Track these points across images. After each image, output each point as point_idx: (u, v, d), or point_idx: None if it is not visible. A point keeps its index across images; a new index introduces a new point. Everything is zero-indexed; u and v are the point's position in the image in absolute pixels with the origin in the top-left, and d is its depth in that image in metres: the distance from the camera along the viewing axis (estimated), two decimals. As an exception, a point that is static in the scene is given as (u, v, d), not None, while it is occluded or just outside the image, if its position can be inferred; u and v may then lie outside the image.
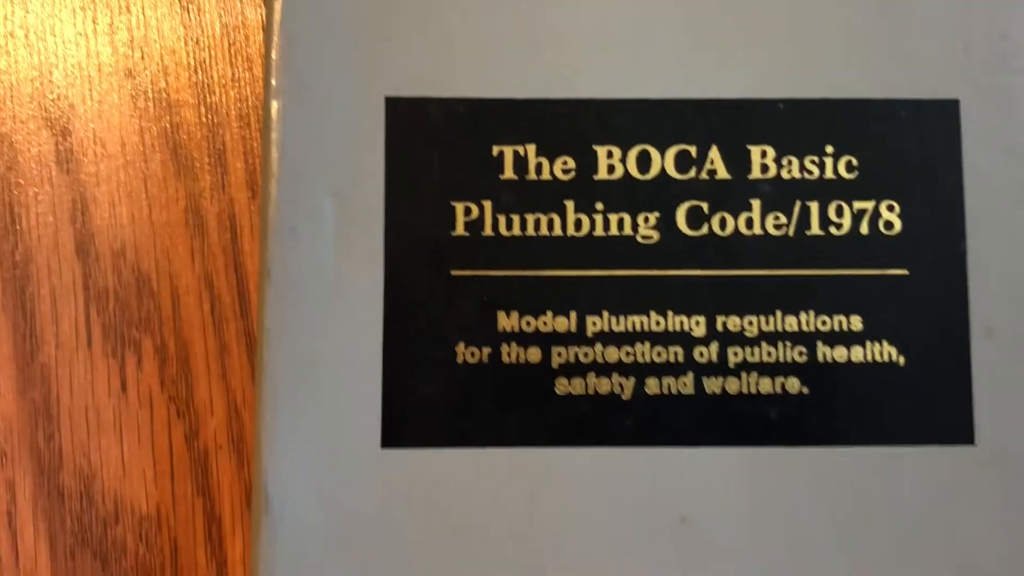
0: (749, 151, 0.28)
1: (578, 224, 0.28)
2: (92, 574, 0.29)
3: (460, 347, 0.27)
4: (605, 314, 0.27)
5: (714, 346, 0.27)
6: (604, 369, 0.27)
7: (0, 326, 0.30)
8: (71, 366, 0.29)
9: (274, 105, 0.28)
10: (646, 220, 0.28)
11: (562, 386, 0.27)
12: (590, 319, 0.27)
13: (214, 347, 0.30)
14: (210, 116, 0.31)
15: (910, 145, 0.28)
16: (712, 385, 0.27)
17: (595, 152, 0.28)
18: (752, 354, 0.27)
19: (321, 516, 0.27)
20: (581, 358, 0.27)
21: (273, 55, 0.28)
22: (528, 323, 0.28)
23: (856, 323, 0.27)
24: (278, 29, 0.28)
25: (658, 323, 0.27)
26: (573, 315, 0.28)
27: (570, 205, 0.28)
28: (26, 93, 0.31)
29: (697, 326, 0.27)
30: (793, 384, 0.27)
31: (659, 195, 0.28)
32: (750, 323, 0.27)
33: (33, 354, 0.29)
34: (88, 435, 0.29)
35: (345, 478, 0.27)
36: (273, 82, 0.28)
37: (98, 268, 0.30)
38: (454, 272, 0.28)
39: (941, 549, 0.27)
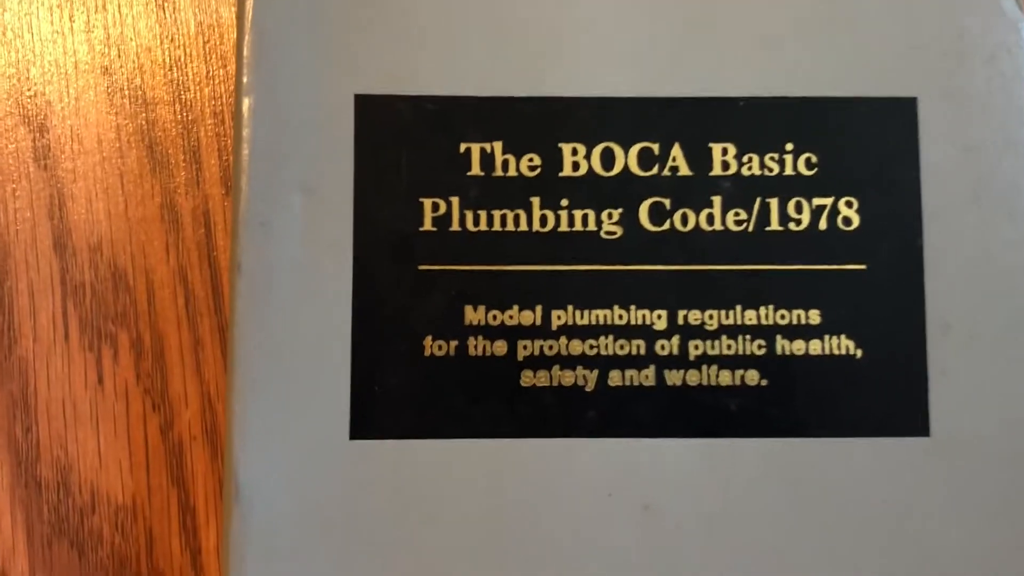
0: (711, 148, 0.28)
1: (543, 220, 0.28)
2: (69, 563, 0.29)
3: (428, 340, 0.28)
4: (570, 308, 0.28)
5: (675, 339, 0.28)
6: (568, 362, 0.28)
7: (-22, 320, 0.30)
8: (48, 359, 0.30)
9: (245, 102, 0.28)
10: (610, 216, 0.28)
11: (527, 378, 0.28)
12: (555, 313, 0.28)
13: (189, 341, 0.30)
14: (185, 113, 0.31)
15: (868, 142, 0.28)
16: (673, 377, 0.28)
17: (560, 149, 0.29)
18: (712, 347, 0.28)
19: (291, 506, 0.27)
20: (546, 351, 0.28)
21: (244, 53, 0.29)
22: (494, 317, 0.28)
23: (815, 317, 0.28)
24: (249, 27, 0.29)
25: (621, 317, 0.28)
26: (539, 309, 0.28)
27: (536, 201, 0.28)
28: (3, 90, 0.31)
29: (659, 320, 0.28)
30: (752, 376, 0.28)
31: (623, 192, 0.28)
32: (711, 317, 0.28)
33: (11, 347, 0.30)
34: (65, 427, 0.30)
35: (315, 469, 0.27)
36: (244, 79, 0.29)
37: (75, 263, 0.30)
38: (422, 267, 0.28)
39: (897, 538, 0.27)
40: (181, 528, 0.29)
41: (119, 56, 0.31)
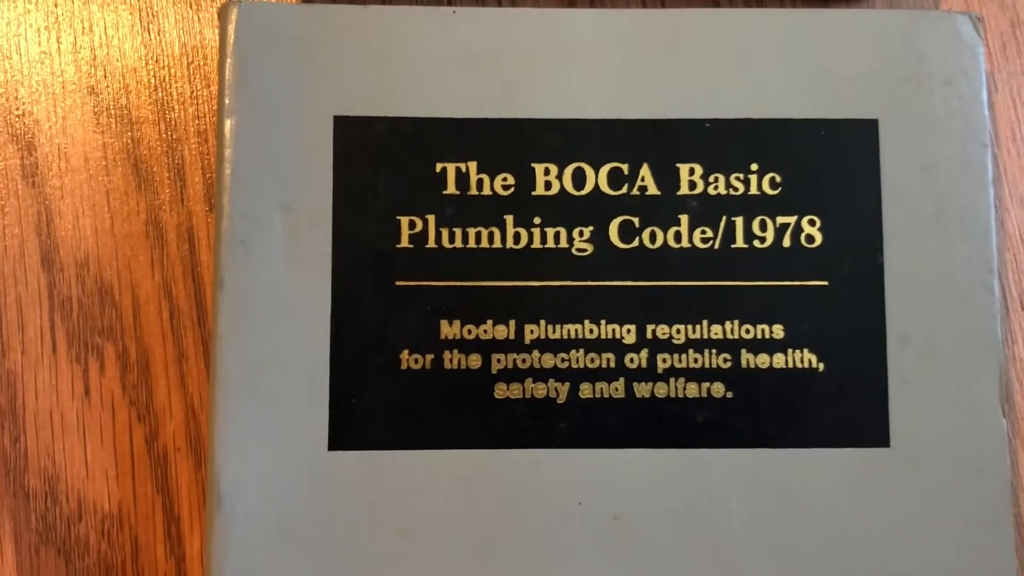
0: (678, 168, 0.29)
1: (517, 237, 0.29)
2: (56, 571, 0.30)
3: (404, 354, 0.29)
4: (542, 322, 0.29)
5: (644, 353, 0.29)
6: (541, 374, 0.29)
7: (-32, 333, 0.31)
8: (36, 371, 0.31)
9: (227, 123, 0.29)
10: (581, 234, 0.29)
11: (501, 391, 0.29)
12: (528, 327, 0.29)
13: (173, 354, 0.31)
14: (169, 132, 0.32)
15: (831, 162, 0.29)
16: (642, 390, 0.29)
17: (533, 169, 0.29)
18: (680, 360, 0.29)
19: (272, 514, 0.28)
20: (519, 364, 0.29)
21: (227, 76, 0.30)
22: (469, 331, 0.29)
23: (778, 331, 0.29)
24: (231, 51, 0.30)
25: (592, 331, 0.29)
26: (512, 323, 0.29)
27: (509, 219, 0.29)
28: (-7, 110, 0.32)
29: (628, 334, 0.29)
30: (718, 389, 0.29)
31: (593, 210, 0.29)
32: (678, 331, 0.29)
33: (0, 360, 0.31)
34: (52, 437, 0.30)
35: (294, 478, 0.28)
36: (226, 101, 0.29)
37: (62, 278, 0.31)
38: (399, 282, 0.29)
39: (856, 546, 0.28)
40: (166, 536, 0.30)
41: (105, 76, 0.32)
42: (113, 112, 0.32)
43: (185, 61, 0.32)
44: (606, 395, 0.29)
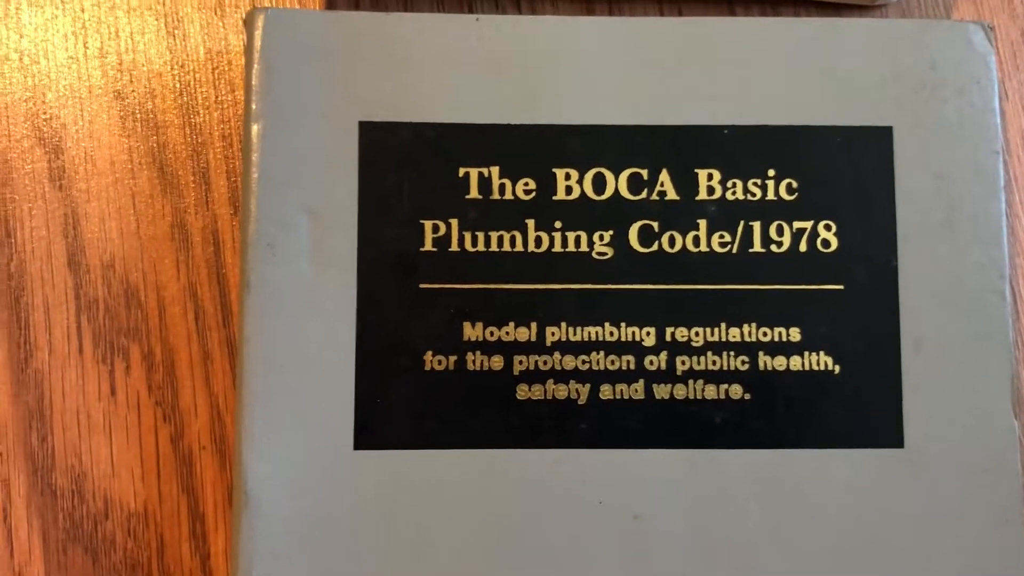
0: (697, 174, 0.30)
1: (538, 241, 0.30)
2: (83, 568, 0.30)
3: (428, 355, 0.29)
4: (563, 325, 0.30)
5: (663, 355, 0.29)
6: (562, 376, 0.29)
7: (-4, 334, 0.32)
8: (63, 371, 0.31)
9: (254, 128, 0.30)
10: (601, 238, 0.30)
11: (523, 392, 0.29)
12: (549, 329, 0.30)
13: (198, 354, 0.31)
14: (194, 136, 0.32)
15: (846, 168, 0.30)
16: (661, 391, 0.29)
17: (554, 174, 0.30)
18: (698, 363, 0.29)
19: (297, 512, 0.29)
20: (540, 366, 0.29)
21: (253, 81, 0.30)
22: (491, 333, 0.30)
23: (795, 334, 0.29)
24: (258, 57, 0.30)
25: (612, 333, 0.29)
26: (533, 326, 0.30)
27: (531, 223, 0.30)
28: (20, 113, 0.33)
29: (648, 336, 0.29)
30: (736, 391, 0.29)
31: (613, 215, 0.30)
32: (697, 334, 0.29)
33: (27, 360, 0.31)
34: (79, 437, 0.31)
35: (320, 477, 0.29)
36: (253, 106, 0.30)
37: (88, 279, 0.32)
38: (423, 285, 0.30)
39: (870, 546, 0.29)
40: (191, 534, 0.31)
41: (131, 81, 0.33)
42: (139, 116, 0.33)
43: (210, 66, 0.33)
44: (626, 396, 0.29)
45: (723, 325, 0.29)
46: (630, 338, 0.29)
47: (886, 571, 0.29)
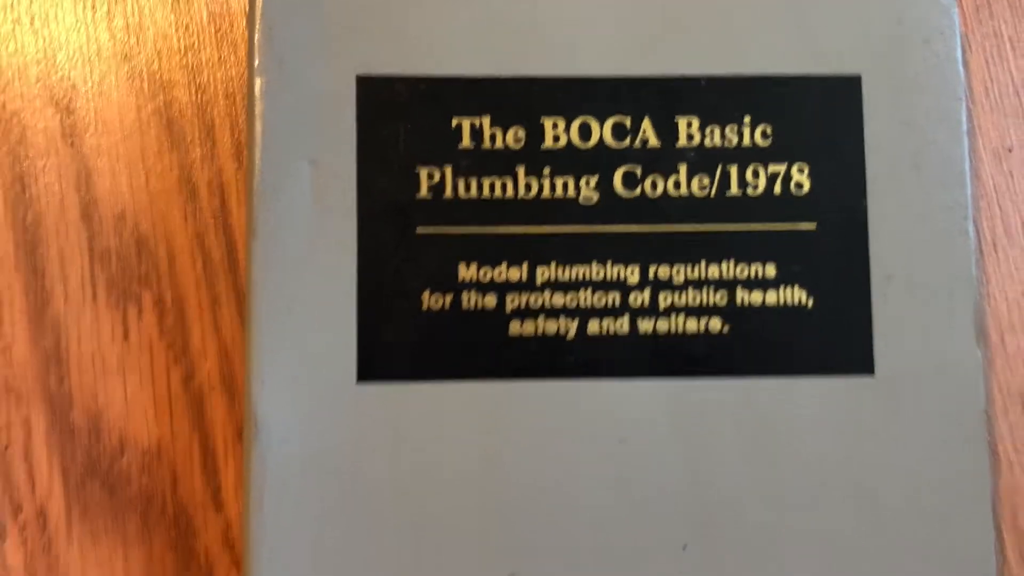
0: (677, 122, 0.32)
1: (528, 187, 0.32)
2: (101, 500, 0.32)
3: (425, 295, 0.31)
4: (553, 264, 0.31)
5: (647, 291, 0.31)
6: (552, 312, 0.31)
7: (14, 283, 0.33)
8: (79, 317, 0.33)
9: (257, 82, 0.32)
10: (587, 183, 0.32)
11: (515, 328, 0.31)
12: (540, 269, 0.31)
13: (207, 300, 0.33)
14: (199, 95, 0.34)
15: (818, 115, 0.32)
16: (645, 326, 0.31)
17: (542, 123, 0.32)
18: (680, 298, 0.31)
19: (305, 442, 0.30)
20: (531, 303, 0.31)
21: (256, 38, 0.32)
22: (485, 273, 0.31)
23: (771, 271, 0.31)
24: (260, 14, 0.32)
25: (598, 272, 0.31)
26: (525, 266, 0.31)
27: (521, 170, 0.32)
28: (32, 74, 0.34)
29: (632, 274, 0.31)
30: (715, 324, 0.31)
31: (598, 161, 0.32)
32: (678, 271, 0.31)
33: (44, 307, 0.33)
34: (95, 378, 0.33)
35: (325, 410, 0.31)
36: (256, 62, 0.32)
37: (101, 231, 0.33)
38: (419, 230, 0.31)
39: (842, 466, 0.31)
40: (203, 468, 0.32)
41: (138, 43, 0.34)
42: (146, 76, 0.34)
43: (213, 28, 0.35)
44: (611, 331, 0.31)
45: (703, 262, 0.31)
46: (615, 277, 0.31)
47: (857, 487, 0.31)
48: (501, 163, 0.32)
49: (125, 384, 0.33)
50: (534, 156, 0.32)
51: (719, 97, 0.32)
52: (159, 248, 0.33)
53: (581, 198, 0.32)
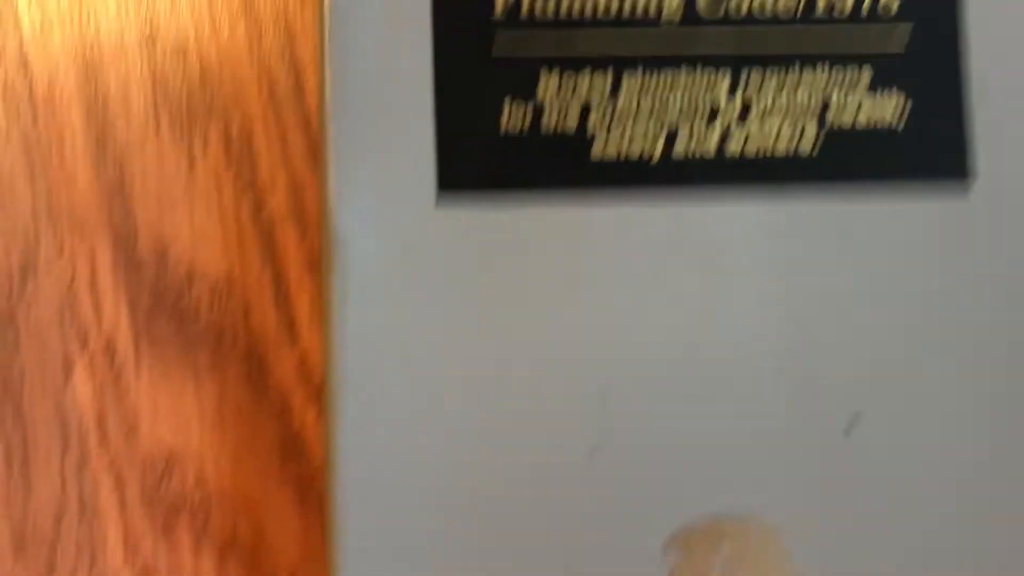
0: (765, -72, 0.31)
1: (607, 8, 0.30)
2: (168, 333, 0.31)
3: (504, 116, 0.30)
4: (636, 79, 0.30)
5: (738, 98, 0.30)
6: (637, 130, 0.30)
7: (75, 117, 0.32)
8: (143, 149, 0.32)
9: (329, -96, 0.30)
10: (671, 2, 0.30)
11: (598, 149, 0.30)
12: (624, 83, 0.30)
13: (274, 130, 0.32)
14: (262, -72, 0.33)
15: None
16: (735, 143, 0.30)
17: (623, -65, 0.31)
18: (772, 104, 0.30)
19: (386, 255, 0.29)
20: (613, 126, 0.30)
21: None
22: (566, 93, 0.30)
23: (865, 76, 0.30)
24: None
25: (686, 84, 0.30)
26: (608, 83, 0.30)
27: (601, -16, 0.31)
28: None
29: (722, 82, 0.30)
30: (810, 131, 0.30)
31: (683, -29, 0.31)
32: (771, 75, 0.30)
33: (106, 142, 0.32)
34: (161, 211, 0.31)
35: (404, 231, 0.29)
36: None
37: (166, 62, 0.32)
38: (495, 49, 0.30)
39: (936, 290, 0.30)
40: (275, 301, 0.31)
41: None
42: (205, -90, 0.33)
43: None
44: (698, 154, 0.30)
45: (796, 65, 0.30)
46: (703, 87, 0.30)
47: (950, 306, 0.30)
48: (581, -23, 0.31)
49: (192, 216, 0.31)
50: (615, -30, 0.31)
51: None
52: (225, 80, 0.32)
53: (663, 18, 0.30)
